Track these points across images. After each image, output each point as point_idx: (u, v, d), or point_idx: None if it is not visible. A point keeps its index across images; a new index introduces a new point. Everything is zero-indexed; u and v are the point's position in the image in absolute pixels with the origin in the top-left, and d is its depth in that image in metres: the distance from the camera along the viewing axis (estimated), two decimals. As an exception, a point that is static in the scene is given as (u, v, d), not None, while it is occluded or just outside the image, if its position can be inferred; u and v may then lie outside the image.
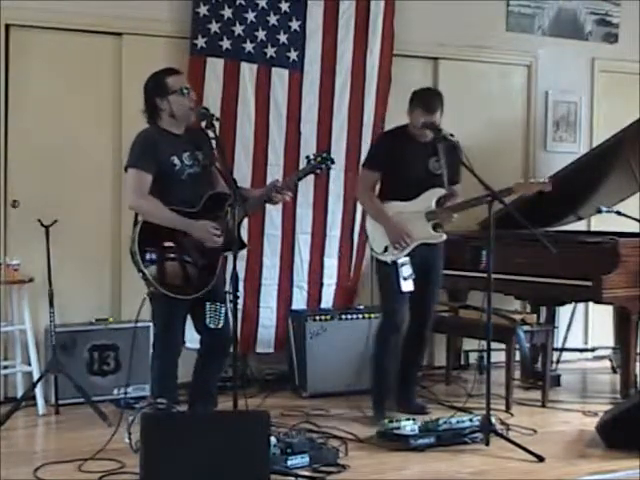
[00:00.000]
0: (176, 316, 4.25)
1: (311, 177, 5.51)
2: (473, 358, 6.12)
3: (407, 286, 4.76)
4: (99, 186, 5.41)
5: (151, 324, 4.42)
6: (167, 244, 4.14)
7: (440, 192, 4.79)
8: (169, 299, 4.12)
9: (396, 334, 4.90)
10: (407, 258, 4.78)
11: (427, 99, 4.79)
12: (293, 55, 5.69)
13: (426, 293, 4.95)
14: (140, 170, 4.13)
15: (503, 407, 5.00)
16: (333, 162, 4.49)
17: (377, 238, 4.87)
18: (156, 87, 4.22)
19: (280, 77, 5.67)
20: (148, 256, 4.09)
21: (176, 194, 4.18)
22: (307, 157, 4.51)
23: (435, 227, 4.82)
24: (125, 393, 4.76)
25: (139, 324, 4.38)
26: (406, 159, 4.81)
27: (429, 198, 4.80)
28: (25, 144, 5.22)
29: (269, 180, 5.41)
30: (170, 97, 4.18)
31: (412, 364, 5.09)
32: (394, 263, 4.77)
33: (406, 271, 4.76)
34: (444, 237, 4.85)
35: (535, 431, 4.58)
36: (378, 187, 4.98)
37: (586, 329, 6.75)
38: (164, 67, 4.36)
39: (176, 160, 4.19)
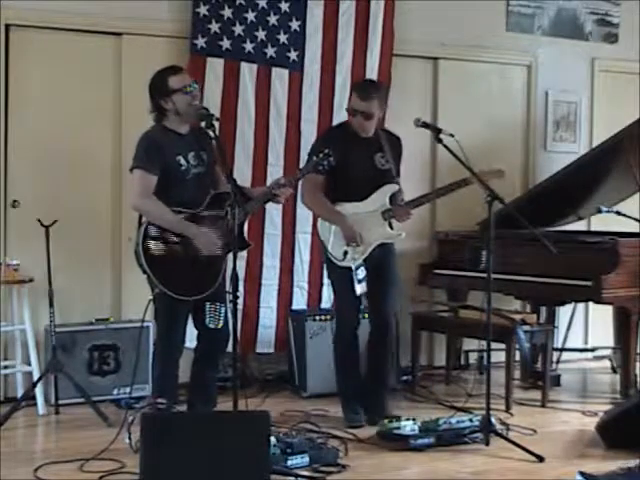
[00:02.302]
0: (179, 316, 4.26)
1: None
2: (473, 358, 6.12)
3: (361, 289, 4.65)
4: (99, 186, 5.41)
5: (151, 324, 4.42)
6: (172, 245, 4.15)
7: (393, 188, 4.70)
8: (172, 299, 4.13)
9: (350, 338, 4.76)
10: (361, 261, 4.66)
11: (363, 87, 4.72)
12: (293, 55, 5.69)
13: (383, 295, 4.78)
14: (145, 172, 4.15)
15: (503, 407, 4.99)
16: (330, 158, 4.46)
17: (335, 244, 4.69)
18: (159, 88, 4.23)
19: (280, 77, 5.67)
20: (153, 257, 4.10)
21: (181, 194, 4.19)
22: (309, 154, 4.51)
23: (391, 225, 4.71)
24: (130, 392, 4.75)
25: (138, 324, 4.39)
26: (351, 157, 4.65)
27: (383, 195, 4.69)
28: (25, 144, 5.22)
29: (269, 180, 5.42)
30: (174, 97, 4.19)
31: (377, 372, 4.83)
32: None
33: (361, 273, 4.63)
34: (403, 235, 4.76)
35: (535, 431, 4.58)
36: (326, 190, 4.75)
37: (586, 329, 6.75)
38: (166, 66, 4.37)
39: (182, 160, 4.21)
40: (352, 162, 4.66)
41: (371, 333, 4.82)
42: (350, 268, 4.64)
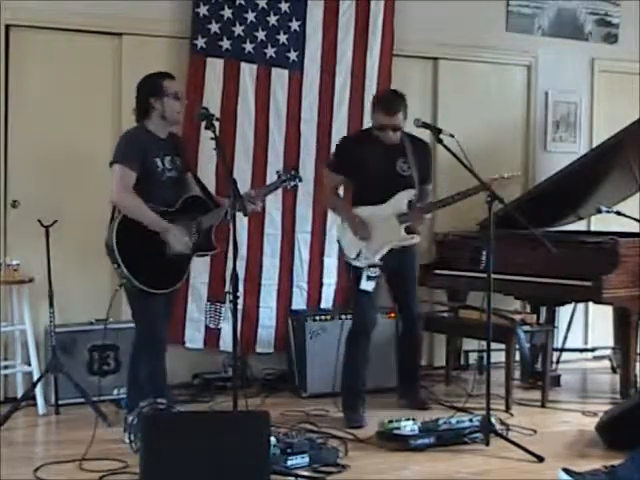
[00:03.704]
0: (156, 312, 4.30)
1: (311, 177, 5.57)
2: (473, 358, 6.11)
3: (368, 285, 4.73)
4: (99, 186, 5.38)
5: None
6: (144, 239, 4.18)
7: (411, 193, 4.78)
8: (147, 296, 4.16)
9: (364, 337, 4.84)
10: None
11: (387, 101, 4.77)
12: (293, 55, 5.69)
13: (404, 294, 4.99)
14: (125, 167, 4.22)
15: (503, 407, 5.00)
16: (301, 180, 4.72)
17: (349, 243, 4.82)
18: (152, 88, 4.33)
19: (280, 77, 5.67)
20: (124, 249, 4.13)
21: (156, 195, 4.27)
22: (277, 172, 4.70)
23: (407, 229, 4.80)
24: (118, 394, 4.76)
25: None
26: (371, 162, 4.77)
27: (400, 200, 4.78)
28: (25, 144, 5.22)
29: (269, 180, 5.44)
30: (164, 99, 4.29)
31: (409, 363, 5.13)
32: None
33: (372, 272, 4.72)
34: (417, 239, 4.84)
35: (535, 431, 4.58)
36: (349, 193, 4.99)
37: (586, 329, 6.75)
38: (159, 70, 4.47)
39: (159, 162, 4.32)
40: (372, 167, 4.76)
41: (402, 330, 5.07)
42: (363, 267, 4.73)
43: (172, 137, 4.45)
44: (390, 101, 4.75)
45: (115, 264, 4.17)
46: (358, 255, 4.77)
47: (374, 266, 4.73)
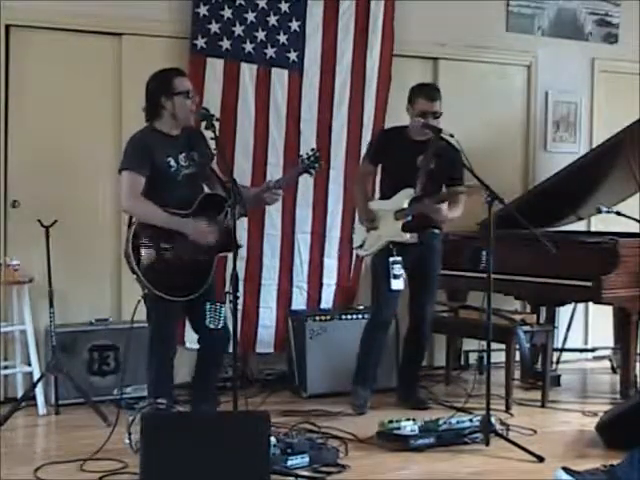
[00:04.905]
0: (170, 317, 4.27)
1: (311, 178, 5.54)
2: (473, 358, 6.12)
3: (397, 284, 4.85)
4: (99, 186, 5.41)
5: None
6: (161, 245, 4.15)
7: (410, 192, 4.82)
8: (163, 300, 4.14)
9: (381, 332, 5.04)
10: (399, 258, 4.84)
11: (428, 89, 4.93)
12: (293, 55, 5.69)
13: (422, 292, 5.06)
14: (133, 172, 4.16)
15: (503, 407, 5.00)
16: (320, 159, 4.48)
17: (358, 232, 5.12)
18: (162, 86, 4.23)
19: (280, 77, 5.67)
20: (142, 257, 4.10)
21: (172, 195, 4.20)
22: (300, 156, 4.56)
23: (404, 227, 4.87)
24: (122, 393, 4.75)
25: (139, 324, 4.39)
26: (398, 158, 4.89)
27: (401, 197, 4.86)
28: (25, 144, 5.22)
29: (269, 179, 5.43)
30: (175, 98, 4.20)
31: (412, 362, 5.19)
32: (386, 261, 4.84)
33: (397, 270, 4.84)
34: (407, 237, 4.86)
35: (535, 431, 4.58)
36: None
37: (586, 329, 6.75)
38: (169, 67, 4.39)
39: (172, 162, 4.22)
40: (398, 162, 4.90)
41: (409, 328, 5.14)
42: (387, 263, 4.83)
43: (186, 131, 4.33)
44: (430, 89, 4.94)
45: (135, 274, 4.14)
46: (361, 245, 5.04)
47: (397, 263, 4.82)
